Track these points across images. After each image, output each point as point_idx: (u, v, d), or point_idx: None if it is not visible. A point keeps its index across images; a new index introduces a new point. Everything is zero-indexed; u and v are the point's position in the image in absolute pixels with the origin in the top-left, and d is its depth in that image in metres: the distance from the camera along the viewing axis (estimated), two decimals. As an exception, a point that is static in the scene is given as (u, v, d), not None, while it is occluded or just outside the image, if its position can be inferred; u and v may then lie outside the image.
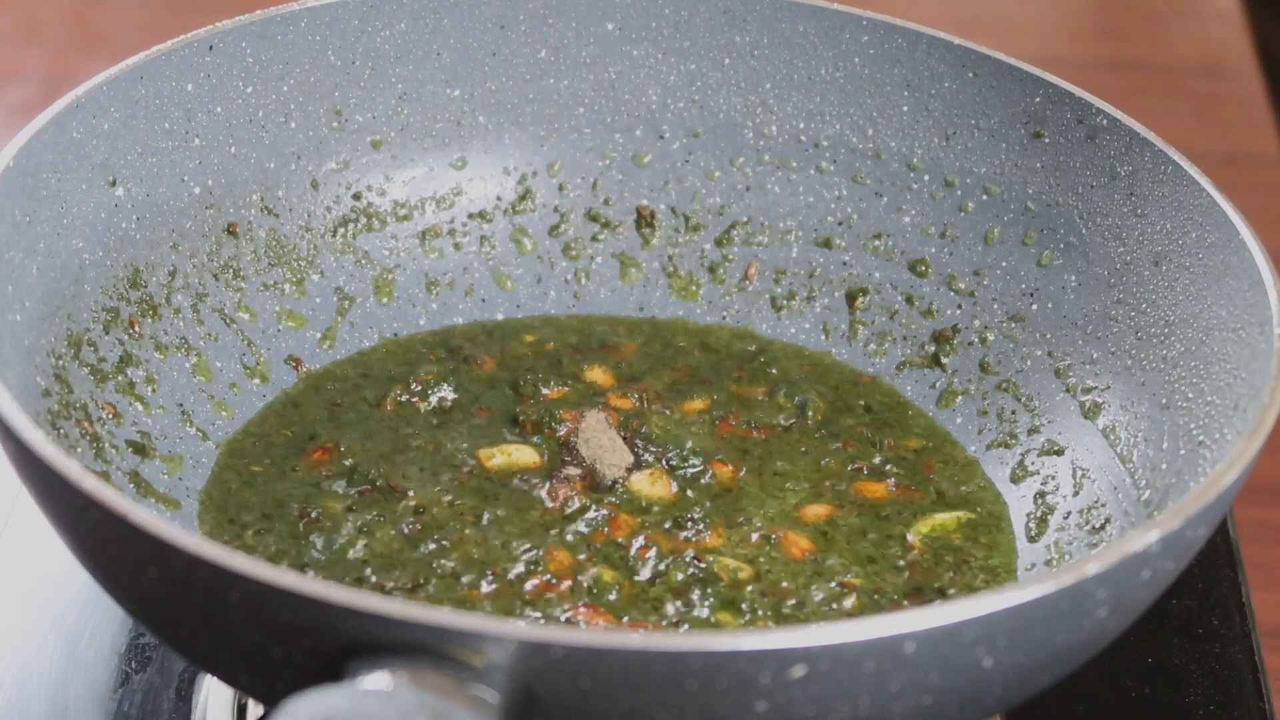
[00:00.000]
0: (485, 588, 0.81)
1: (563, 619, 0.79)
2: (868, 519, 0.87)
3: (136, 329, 0.88)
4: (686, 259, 0.99)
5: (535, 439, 0.89)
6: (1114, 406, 0.89)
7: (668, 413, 0.92)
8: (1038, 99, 0.93)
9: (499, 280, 0.98)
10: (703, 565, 0.82)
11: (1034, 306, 0.93)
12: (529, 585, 0.81)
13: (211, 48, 0.91)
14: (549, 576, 0.82)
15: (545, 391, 0.92)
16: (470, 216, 0.98)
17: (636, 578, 0.82)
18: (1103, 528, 0.86)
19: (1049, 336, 0.93)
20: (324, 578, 0.81)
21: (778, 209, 0.99)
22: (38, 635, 0.89)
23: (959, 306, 0.95)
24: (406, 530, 0.84)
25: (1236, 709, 0.89)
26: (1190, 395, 0.84)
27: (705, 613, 0.80)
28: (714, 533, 0.85)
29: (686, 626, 0.80)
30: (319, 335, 0.95)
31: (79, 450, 0.82)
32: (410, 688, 0.62)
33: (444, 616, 0.63)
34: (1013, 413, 0.92)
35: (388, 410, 0.91)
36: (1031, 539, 0.87)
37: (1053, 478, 0.89)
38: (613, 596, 0.81)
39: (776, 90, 0.98)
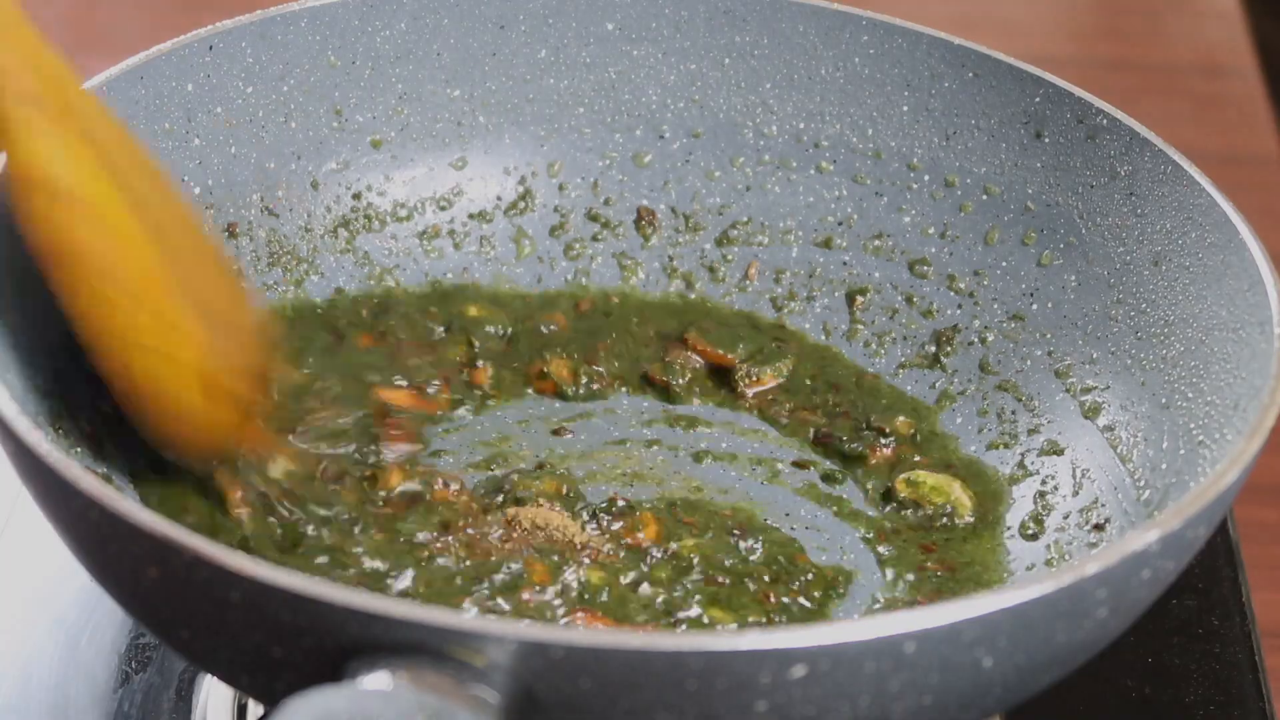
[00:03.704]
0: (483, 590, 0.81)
1: (561, 623, 0.79)
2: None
3: (136, 329, 0.88)
4: (686, 259, 0.99)
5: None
6: (1114, 406, 0.89)
7: (668, 413, 0.92)
8: (1038, 99, 0.93)
9: (499, 281, 0.98)
10: (694, 560, 0.82)
11: (1034, 306, 0.93)
12: (524, 595, 0.81)
13: (211, 48, 0.91)
14: (536, 587, 0.81)
15: (545, 391, 0.93)
16: (470, 216, 0.98)
17: (623, 579, 0.81)
18: (1103, 528, 0.86)
19: (1049, 336, 0.93)
20: (323, 579, 0.81)
21: (778, 209, 0.98)
22: (38, 635, 0.89)
23: (959, 306, 0.95)
24: (413, 537, 0.84)
25: (1236, 709, 0.89)
26: (1190, 395, 0.84)
27: (696, 611, 0.80)
28: (710, 531, 0.85)
29: (685, 627, 0.80)
30: (319, 335, 0.95)
31: (79, 450, 0.82)
32: (410, 688, 0.62)
33: (444, 616, 0.63)
34: (1013, 413, 0.92)
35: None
36: (1031, 539, 0.87)
37: (1052, 478, 0.89)
38: (604, 598, 0.81)
39: (776, 90, 0.98)
